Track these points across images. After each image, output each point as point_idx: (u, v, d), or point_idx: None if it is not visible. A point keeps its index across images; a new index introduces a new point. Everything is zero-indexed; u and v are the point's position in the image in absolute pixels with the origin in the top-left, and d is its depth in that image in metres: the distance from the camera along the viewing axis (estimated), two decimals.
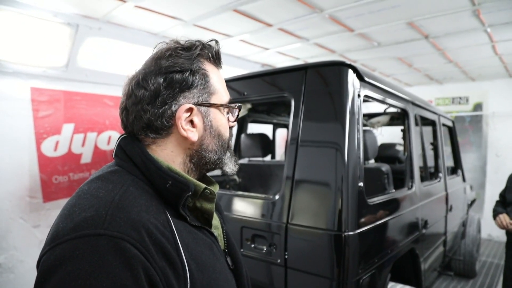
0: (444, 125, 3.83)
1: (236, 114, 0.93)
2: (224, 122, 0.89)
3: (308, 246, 1.77)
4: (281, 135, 5.05)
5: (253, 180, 2.79)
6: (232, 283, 0.89)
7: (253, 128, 4.06)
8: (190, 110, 0.82)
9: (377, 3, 3.20)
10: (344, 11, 3.41)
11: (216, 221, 0.97)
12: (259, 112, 3.68)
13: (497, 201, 2.97)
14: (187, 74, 0.81)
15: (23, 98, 3.17)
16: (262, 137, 2.71)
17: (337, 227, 1.68)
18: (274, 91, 2.12)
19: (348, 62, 1.85)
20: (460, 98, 6.94)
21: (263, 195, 2.03)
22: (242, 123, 3.68)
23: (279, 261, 1.83)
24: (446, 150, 3.67)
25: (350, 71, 1.85)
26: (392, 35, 4.12)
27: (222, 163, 0.90)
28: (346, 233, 1.67)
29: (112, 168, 0.81)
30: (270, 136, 3.97)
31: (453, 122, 4.39)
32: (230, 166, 0.92)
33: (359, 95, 1.88)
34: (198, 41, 0.87)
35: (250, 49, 4.75)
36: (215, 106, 0.86)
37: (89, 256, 0.60)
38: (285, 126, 4.15)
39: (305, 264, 1.76)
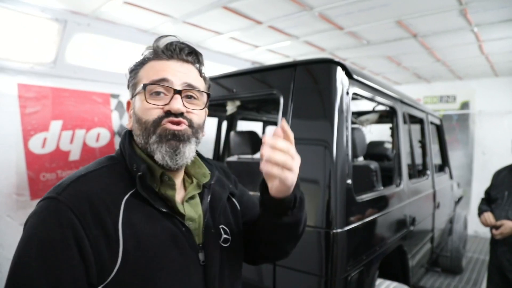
0: (432, 123, 3.87)
1: (150, 92, 0.89)
2: (141, 105, 0.90)
3: None
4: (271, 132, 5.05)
5: (242, 177, 2.77)
6: (195, 279, 0.88)
7: (243, 125, 4.06)
8: (128, 104, 0.98)
9: (367, 1, 3.22)
10: (333, 9, 3.42)
11: (194, 212, 0.94)
12: (248, 110, 3.68)
13: (482, 199, 3.01)
14: (131, 74, 0.96)
15: (10, 94, 3.12)
16: (251, 134, 2.71)
17: (325, 224, 1.69)
18: (263, 88, 2.12)
19: (337, 60, 1.86)
20: (448, 96, 7.03)
21: (252, 192, 2.03)
22: (231, 120, 3.67)
23: None
24: (434, 148, 3.71)
25: (339, 69, 1.86)
26: (381, 33, 4.15)
27: (150, 149, 0.88)
28: (334, 230, 1.68)
29: (112, 154, 0.96)
30: (260, 133, 3.98)
31: (440, 120, 4.44)
32: (158, 155, 0.87)
33: (347, 93, 1.89)
34: (150, 46, 0.96)
35: (240, 47, 4.74)
36: (136, 94, 0.92)
37: (40, 213, 0.78)
38: (275, 123, 4.16)
39: (293, 261, 1.76)
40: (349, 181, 1.81)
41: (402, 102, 2.74)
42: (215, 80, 2.35)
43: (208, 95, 0.98)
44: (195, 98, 0.93)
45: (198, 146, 0.96)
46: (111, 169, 0.89)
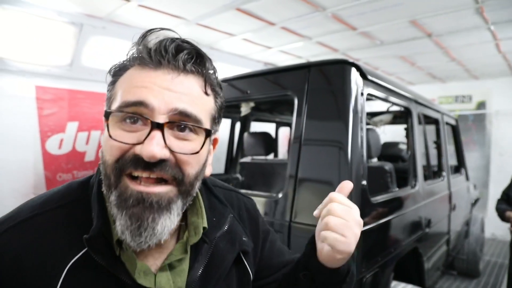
0: (447, 123, 3.82)
1: (121, 118, 0.62)
2: (105, 135, 0.62)
3: None
4: (284, 133, 5.05)
5: (256, 178, 2.79)
6: None
7: (256, 126, 4.06)
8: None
9: (380, 1, 3.19)
10: (346, 10, 3.40)
11: (169, 286, 0.67)
12: (262, 111, 3.69)
13: (499, 199, 2.96)
14: (109, 83, 0.69)
15: (28, 96, 3.20)
16: (265, 135, 2.71)
17: None
18: (277, 89, 2.12)
19: (351, 60, 1.85)
20: (464, 96, 6.92)
21: (266, 194, 2.03)
22: (245, 121, 3.68)
23: None
24: (449, 149, 3.66)
25: (353, 70, 1.85)
26: (394, 33, 4.11)
27: (111, 206, 0.61)
28: None
29: (87, 177, 0.71)
30: (273, 134, 3.98)
31: (456, 121, 4.37)
32: (118, 226, 0.60)
33: (362, 94, 1.88)
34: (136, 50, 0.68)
35: (253, 48, 4.75)
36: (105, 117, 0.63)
37: None
38: (288, 124, 4.16)
39: None
40: (364, 182, 1.80)
41: (416, 102, 2.71)
42: (228, 81, 2.36)
43: (209, 130, 0.66)
44: (191, 130, 0.63)
45: (189, 202, 0.68)
46: (70, 211, 0.65)
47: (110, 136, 0.59)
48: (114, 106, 0.62)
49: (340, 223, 0.67)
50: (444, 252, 3.32)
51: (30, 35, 3.15)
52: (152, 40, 0.64)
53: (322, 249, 0.69)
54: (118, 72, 0.67)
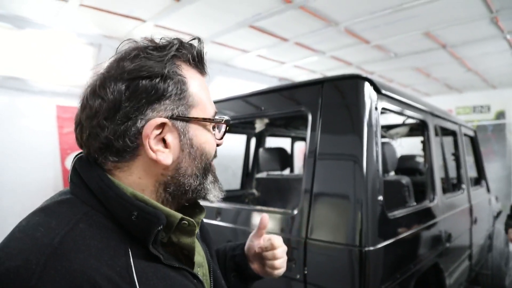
0: (465, 135, 3.75)
1: (224, 130, 0.76)
2: (209, 139, 0.71)
3: (328, 261, 1.75)
4: (300, 148, 5.04)
5: (271, 194, 2.79)
6: None
7: (271, 142, 4.08)
8: (162, 126, 0.64)
9: (393, 14, 3.20)
10: (359, 24, 3.42)
11: (200, 256, 0.78)
12: (277, 126, 3.70)
13: (508, 215, 2.88)
14: (157, 80, 0.63)
15: (49, 115, 3.30)
16: (280, 151, 2.72)
17: (357, 242, 1.66)
18: (291, 105, 2.13)
19: (364, 74, 1.85)
20: (482, 106, 6.80)
21: (281, 210, 2.03)
22: (260, 137, 3.70)
23: (298, 276, 1.82)
24: (468, 161, 3.59)
25: (367, 84, 1.85)
26: (408, 45, 4.11)
27: (204, 190, 0.72)
28: (366, 248, 1.65)
29: (64, 196, 0.63)
30: (288, 149, 3.98)
31: (475, 132, 4.30)
32: (214, 193, 0.74)
33: (376, 108, 1.88)
34: (176, 39, 0.70)
35: (267, 64, 4.80)
36: (196, 120, 0.68)
37: None
38: (303, 139, 4.15)
39: (325, 279, 1.74)
40: (380, 197, 1.78)
41: (433, 114, 2.68)
42: (243, 98, 2.38)
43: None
44: None
45: None
46: (90, 223, 0.58)
47: (217, 138, 0.74)
48: (203, 111, 0.70)
49: (283, 261, 0.98)
50: (466, 267, 3.22)
51: (51, 56, 3.27)
52: (197, 47, 0.71)
53: (263, 267, 0.96)
54: (178, 71, 0.67)
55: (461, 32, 3.69)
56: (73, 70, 3.47)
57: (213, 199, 0.73)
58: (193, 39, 0.72)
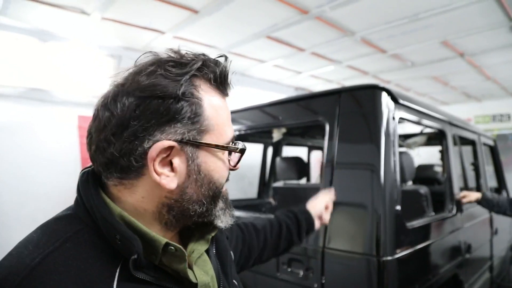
0: (484, 144, 3.70)
1: (239, 156, 0.72)
2: (219, 166, 0.67)
3: (345, 271, 1.75)
4: (316, 157, 5.04)
5: (288, 203, 2.80)
6: None
7: (288, 151, 4.09)
8: (169, 148, 0.61)
9: (410, 24, 3.21)
10: (376, 33, 3.44)
11: (207, 276, 0.71)
12: (293, 135, 3.72)
13: None
14: (170, 101, 0.59)
15: (71, 125, 3.39)
16: (297, 160, 2.73)
17: (374, 251, 1.66)
18: (308, 115, 2.15)
19: (381, 84, 1.86)
20: (501, 115, 6.68)
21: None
22: (277, 146, 3.72)
23: (316, 285, 1.83)
24: (488, 170, 3.53)
25: (384, 94, 1.86)
26: (425, 54, 4.09)
27: (211, 216, 0.69)
28: (384, 258, 1.65)
29: (65, 212, 0.65)
30: (305, 158, 3.99)
31: (494, 141, 4.23)
32: (223, 219, 0.71)
33: (394, 118, 1.88)
34: (202, 55, 0.65)
35: (284, 74, 4.84)
36: (208, 146, 0.64)
37: None
38: (320, 148, 4.16)
39: None
40: (398, 207, 1.78)
41: (451, 124, 2.66)
42: (261, 108, 2.42)
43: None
44: None
45: None
46: (78, 242, 0.58)
47: (230, 165, 0.71)
48: (217, 137, 0.66)
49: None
50: (487, 280, 3.16)
51: (73, 68, 3.38)
52: (220, 67, 0.66)
53: (321, 219, 1.44)
54: (194, 93, 0.63)
55: (479, 41, 3.66)
56: (94, 81, 3.57)
57: (221, 225, 0.71)
58: (220, 56, 0.67)
